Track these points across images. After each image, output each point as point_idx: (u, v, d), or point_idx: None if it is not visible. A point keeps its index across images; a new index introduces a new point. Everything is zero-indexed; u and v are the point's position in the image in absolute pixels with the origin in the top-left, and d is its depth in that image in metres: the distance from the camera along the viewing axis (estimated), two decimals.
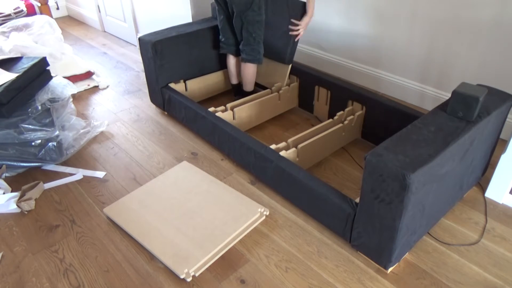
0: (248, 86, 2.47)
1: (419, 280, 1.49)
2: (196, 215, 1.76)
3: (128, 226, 1.72)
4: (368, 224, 1.45)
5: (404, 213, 1.30)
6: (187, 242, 1.62)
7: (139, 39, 2.39)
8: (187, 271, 1.51)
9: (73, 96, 2.89)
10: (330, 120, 2.14)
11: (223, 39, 2.42)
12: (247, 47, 2.27)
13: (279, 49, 2.39)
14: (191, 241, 1.63)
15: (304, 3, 2.26)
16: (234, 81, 2.61)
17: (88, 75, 3.08)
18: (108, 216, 1.80)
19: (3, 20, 3.45)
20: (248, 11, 2.13)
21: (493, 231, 1.69)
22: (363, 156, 1.97)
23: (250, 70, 2.38)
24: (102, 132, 2.45)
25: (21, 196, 1.87)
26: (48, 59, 2.80)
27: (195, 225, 1.70)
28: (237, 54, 2.45)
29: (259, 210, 1.77)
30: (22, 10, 3.65)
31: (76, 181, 2.05)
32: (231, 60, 2.51)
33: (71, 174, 2.10)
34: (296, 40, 2.31)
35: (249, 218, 1.74)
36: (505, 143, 2.13)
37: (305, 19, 2.23)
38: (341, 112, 2.17)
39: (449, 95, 2.40)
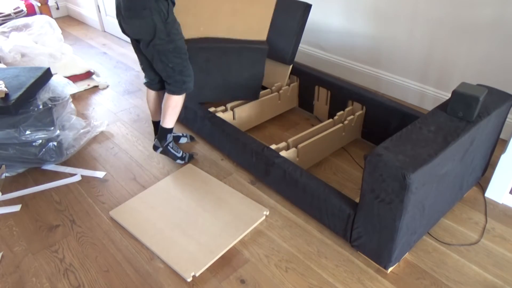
0: (167, 120, 1.97)
1: (419, 280, 1.49)
2: (201, 218, 1.76)
3: (134, 229, 1.72)
4: (368, 224, 1.45)
5: (404, 213, 1.30)
6: (194, 245, 1.62)
7: None
8: (194, 274, 1.51)
9: (73, 96, 2.89)
10: (330, 120, 2.14)
11: (147, 81, 2.03)
12: (169, 79, 1.86)
13: (281, 49, 2.39)
14: (198, 245, 1.63)
15: (304, 3, 2.26)
16: (154, 118, 2.17)
17: (88, 75, 3.08)
18: (114, 219, 1.80)
19: (3, 20, 3.46)
20: (155, 40, 1.71)
21: (493, 231, 1.69)
22: (363, 156, 1.97)
23: (172, 102, 1.92)
24: (102, 132, 2.45)
25: None
26: (48, 59, 2.80)
27: (202, 228, 1.70)
28: (160, 88, 2.06)
29: (264, 213, 1.77)
30: (22, 10, 3.65)
31: (76, 181, 2.05)
32: (150, 94, 2.08)
33: (71, 174, 2.10)
34: None
35: (255, 220, 1.74)
36: (505, 143, 2.13)
37: None
38: (341, 112, 2.17)
39: (449, 95, 2.40)
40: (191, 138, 2.32)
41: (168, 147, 2.05)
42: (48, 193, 1.98)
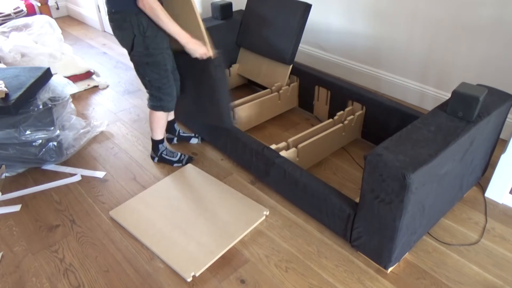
0: (154, 133, 2.05)
1: (419, 280, 1.49)
2: (202, 218, 1.76)
3: (134, 229, 1.72)
4: (368, 224, 1.45)
5: (404, 213, 1.30)
6: (194, 245, 1.63)
7: None
8: (194, 274, 1.51)
9: (73, 96, 2.89)
10: (330, 120, 2.14)
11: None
12: (148, 92, 1.91)
13: (281, 49, 2.39)
14: (198, 245, 1.63)
15: (304, 3, 2.27)
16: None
17: (88, 75, 3.08)
18: (114, 219, 1.80)
19: (3, 20, 3.45)
20: (133, 52, 1.75)
21: (493, 231, 1.69)
22: (363, 156, 1.97)
23: (154, 118, 1.97)
24: (102, 132, 2.45)
25: None
26: (48, 59, 2.80)
27: (202, 228, 1.70)
28: None
29: (264, 213, 1.77)
30: (22, 10, 3.65)
31: (76, 181, 2.05)
32: None
33: (71, 174, 2.10)
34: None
35: (255, 220, 1.74)
36: (505, 143, 2.13)
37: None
38: (341, 112, 2.17)
39: (449, 95, 2.40)
40: (202, 139, 2.32)
41: (163, 155, 2.13)
42: (48, 193, 1.98)
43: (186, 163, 2.13)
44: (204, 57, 1.83)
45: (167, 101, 1.90)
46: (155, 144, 2.10)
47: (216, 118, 2.03)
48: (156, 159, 2.15)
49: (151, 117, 1.99)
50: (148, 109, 1.97)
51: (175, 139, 2.30)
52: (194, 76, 1.98)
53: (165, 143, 2.13)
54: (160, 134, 2.06)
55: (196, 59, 1.85)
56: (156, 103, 1.91)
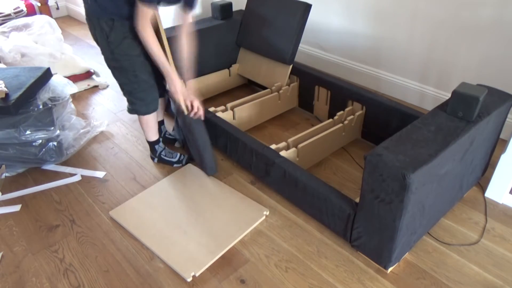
0: (147, 135, 2.05)
1: (419, 280, 1.49)
2: (202, 218, 1.76)
3: (134, 229, 1.72)
4: (368, 224, 1.45)
5: (404, 213, 1.30)
6: (194, 245, 1.63)
7: None
8: (194, 274, 1.52)
9: (73, 96, 2.89)
10: (330, 120, 2.14)
11: None
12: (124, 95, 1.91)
13: (281, 49, 2.39)
14: (198, 244, 1.63)
15: (304, 3, 2.26)
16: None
17: (88, 75, 3.08)
18: (114, 219, 1.80)
19: (3, 20, 3.46)
20: (104, 54, 1.75)
21: (493, 231, 1.69)
22: (363, 156, 1.97)
23: (140, 120, 1.98)
24: (102, 132, 2.45)
25: None
26: (48, 59, 2.80)
27: (202, 228, 1.70)
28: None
29: (264, 213, 1.77)
30: (22, 10, 3.65)
31: (76, 181, 2.05)
32: None
33: (71, 174, 2.10)
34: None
35: (255, 220, 1.74)
36: (505, 143, 2.13)
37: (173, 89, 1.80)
38: (341, 112, 2.17)
39: (449, 95, 2.39)
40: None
41: (161, 155, 2.13)
42: (48, 193, 1.98)
43: (186, 163, 2.13)
44: (180, 103, 1.81)
45: (139, 105, 1.89)
46: (151, 145, 2.11)
47: (200, 164, 2.05)
48: (156, 159, 2.15)
49: (139, 120, 1.99)
50: None
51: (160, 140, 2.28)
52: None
53: (161, 143, 2.13)
54: (152, 135, 2.06)
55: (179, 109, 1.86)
56: (130, 106, 1.92)
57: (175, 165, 2.12)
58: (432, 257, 1.57)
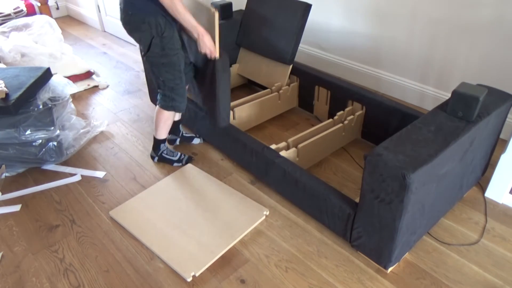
0: (159, 132, 2.04)
1: (419, 280, 1.49)
2: (201, 218, 1.76)
3: (134, 229, 1.72)
4: (368, 224, 1.45)
5: (404, 213, 1.30)
6: (194, 245, 1.63)
7: None
8: (194, 274, 1.52)
9: (73, 96, 2.89)
10: (330, 120, 2.14)
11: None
12: (160, 91, 1.91)
13: (281, 49, 2.39)
14: (198, 245, 1.63)
15: (304, 3, 2.26)
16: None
17: (88, 75, 3.08)
18: (114, 219, 1.80)
19: (3, 20, 3.46)
20: (149, 53, 1.78)
21: (493, 231, 1.69)
22: (363, 156, 1.97)
23: (160, 116, 1.97)
24: (102, 132, 2.45)
25: None
26: (48, 59, 2.80)
27: (202, 228, 1.70)
28: None
29: (264, 213, 1.77)
30: (22, 10, 3.66)
31: (76, 181, 2.05)
32: None
33: (71, 174, 2.10)
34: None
35: (255, 220, 1.74)
36: (505, 143, 2.13)
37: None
38: (341, 112, 2.17)
39: (449, 95, 2.40)
40: (204, 140, 2.31)
41: (163, 154, 2.13)
42: (48, 193, 1.98)
43: (186, 163, 2.13)
44: (212, 55, 1.84)
45: (179, 102, 1.92)
46: (157, 143, 2.10)
47: (212, 117, 2.05)
48: (156, 158, 2.15)
49: (158, 116, 1.98)
50: (156, 108, 1.97)
51: (178, 140, 2.30)
52: (200, 73, 2.02)
53: (166, 143, 2.13)
54: (164, 133, 2.06)
55: (205, 58, 1.88)
56: (168, 103, 1.91)
57: (175, 164, 2.12)
58: (432, 257, 1.57)
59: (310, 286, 1.48)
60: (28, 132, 1.95)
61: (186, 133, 2.32)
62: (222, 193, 1.90)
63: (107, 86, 3.04)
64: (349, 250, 1.61)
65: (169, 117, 1.98)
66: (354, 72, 2.89)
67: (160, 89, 1.90)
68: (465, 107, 1.46)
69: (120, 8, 1.75)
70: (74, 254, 1.64)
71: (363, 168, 1.38)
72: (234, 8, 2.96)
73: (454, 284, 1.47)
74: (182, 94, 1.91)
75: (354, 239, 1.55)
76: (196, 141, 2.31)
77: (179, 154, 2.14)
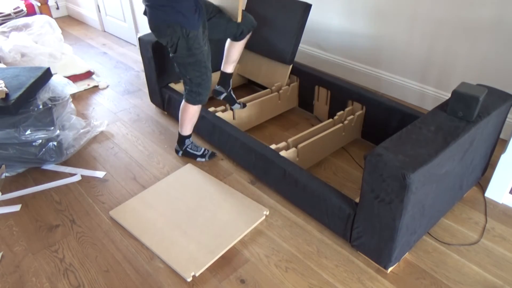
0: (184, 128, 2.08)
1: (419, 280, 1.49)
2: (202, 217, 1.76)
3: (134, 229, 1.72)
4: (368, 224, 1.45)
5: (404, 213, 1.31)
6: (194, 245, 1.63)
7: (139, 39, 2.39)
8: (194, 274, 1.52)
9: (73, 96, 2.89)
10: (330, 120, 2.14)
11: None
12: (186, 88, 1.95)
13: (281, 49, 2.39)
14: (198, 244, 1.63)
15: (304, 3, 2.26)
16: (223, 67, 2.27)
17: (88, 75, 3.08)
18: (114, 219, 1.80)
19: (3, 20, 3.45)
20: (176, 54, 1.82)
21: (493, 231, 1.69)
22: (363, 156, 1.97)
23: (189, 114, 2.02)
24: (102, 132, 2.45)
25: None
26: (48, 59, 2.80)
27: (202, 228, 1.70)
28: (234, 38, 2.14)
29: (264, 212, 1.77)
30: (22, 10, 3.65)
31: (76, 181, 2.05)
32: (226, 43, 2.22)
33: (71, 174, 2.10)
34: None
35: (255, 220, 1.74)
36: (505, 143, 2.13)
37: None
38: (341, 112, 2.17)
39: (449, 95, 2.40)
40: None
41: (187, 149, 2.15)
42: (48, 193, 1.98)
43: (209, 158, 2.15)
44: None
45: (205, 95, 1.97)
46: (183, 139, 2.13)
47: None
48: (181, 153, 2.17)
49: (185, 112, 2.02)
50: (182, 104, 2.02)
51: (224, 95, 2.29)
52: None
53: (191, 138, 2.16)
54: (189, 129, 2.10)
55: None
56: (195, 98, 1.96)
57: (198, 159, 2.15)
58: (432, 257, 1.57)
59: (310, 286, 1.48)
60: (28, 132, 1.95)
61: (233, 94, 2.31)
62: (222, 193, 1.90)
63: (107, 86, 3.04)
64: (349, 250, 1.61)
65: (195, 114, 2.04)
66: (354, 72, 2.89)
67: (187, 86, 1.94)
68: (465, 107, 1.46)
69: (147, 16, 1.81)
70: (74, 254, 1.64)
71: (363, 168, 1.38)
72: None
73: (454, 284, 1.47)
74: (208, 87, 1.96)
75: (354, 239, 1.55)
76: (237, 106, 2.29)
77: (203, 149, 2.16)
